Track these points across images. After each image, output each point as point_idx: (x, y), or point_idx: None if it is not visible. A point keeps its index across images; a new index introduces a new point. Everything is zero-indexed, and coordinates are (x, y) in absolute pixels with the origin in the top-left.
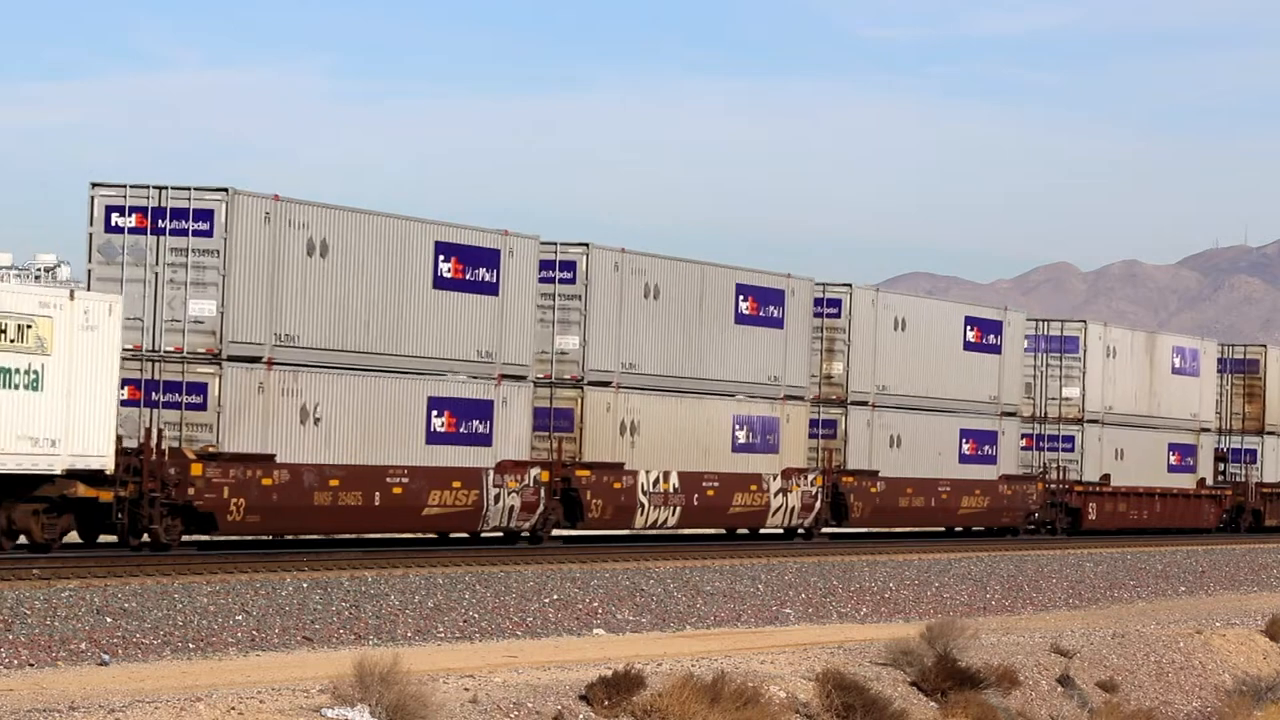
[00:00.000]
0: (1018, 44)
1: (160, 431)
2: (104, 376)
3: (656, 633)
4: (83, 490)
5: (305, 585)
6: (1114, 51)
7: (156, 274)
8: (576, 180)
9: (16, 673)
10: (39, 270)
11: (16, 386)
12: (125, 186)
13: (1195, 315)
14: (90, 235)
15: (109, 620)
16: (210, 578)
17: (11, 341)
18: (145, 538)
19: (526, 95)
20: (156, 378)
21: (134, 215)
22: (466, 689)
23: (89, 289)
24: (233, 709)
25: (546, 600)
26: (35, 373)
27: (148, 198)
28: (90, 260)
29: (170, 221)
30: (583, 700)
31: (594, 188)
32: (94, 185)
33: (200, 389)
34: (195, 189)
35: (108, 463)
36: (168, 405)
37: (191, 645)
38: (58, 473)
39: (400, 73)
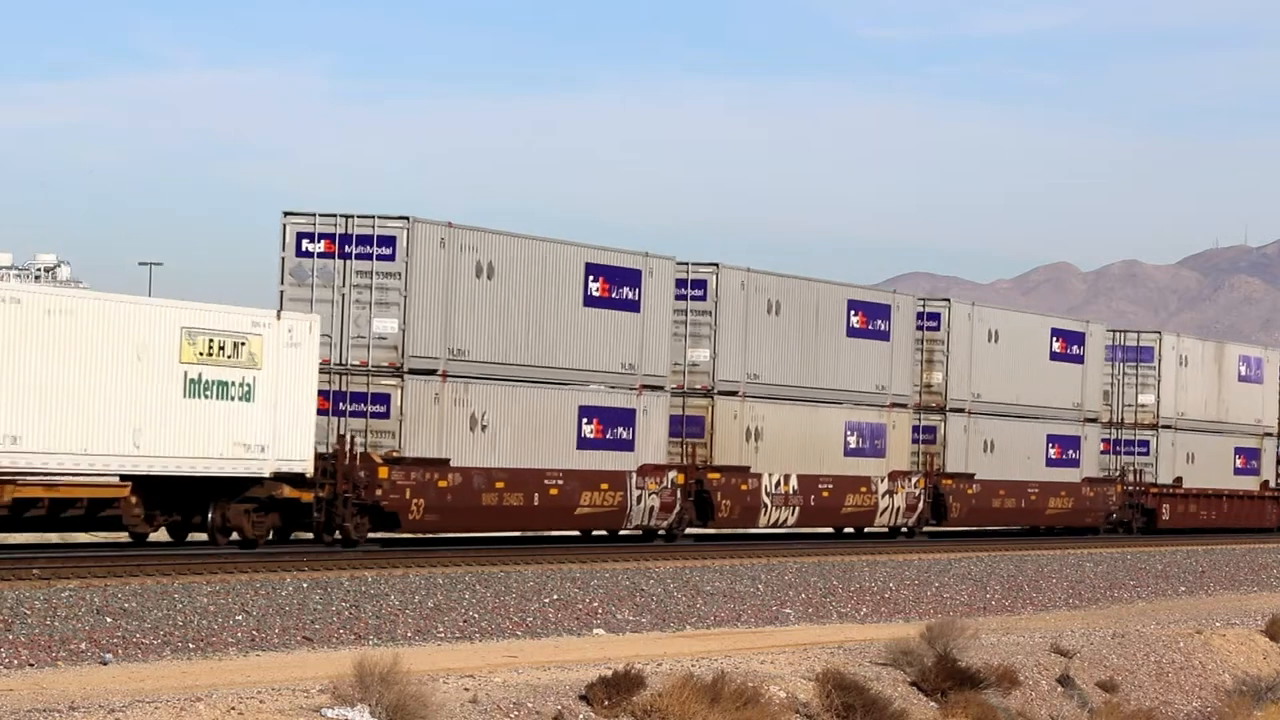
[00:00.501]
0: (1018, 44)
1: (351, 438)
2: (305, 388)
3: (656, 633)
4: (287, 492)
5: (305, 585)
6: (1114, 51)
7: (343, 295)
8: (577, 180)
9: (16, 673)
10: (39, 270)
11: (232, 398)
12: (315, 215)
13: (1195, 315)
14: (282, 260)
15: (109, 620)
16: (210, 578)
17: (229, 358)
18: (337, 534)
19: (527, 95)
20: (344, 389)
21: (322, 241)
22: (466, 689)
23: (280, 309)
24: (233, 709)
25: (546, 600)
26: (248, 385)
27: (335, 225)
28: (282, 282)
29: (356, 247)
30: (583, 700)
31: (594, 188)
32: (286, 214)
33: (384, 399)
34: (379, 217)
35: (308, 466)
36: (354, 414)
37: (191, 645)
38: (266, 476)
39: (400, 73)
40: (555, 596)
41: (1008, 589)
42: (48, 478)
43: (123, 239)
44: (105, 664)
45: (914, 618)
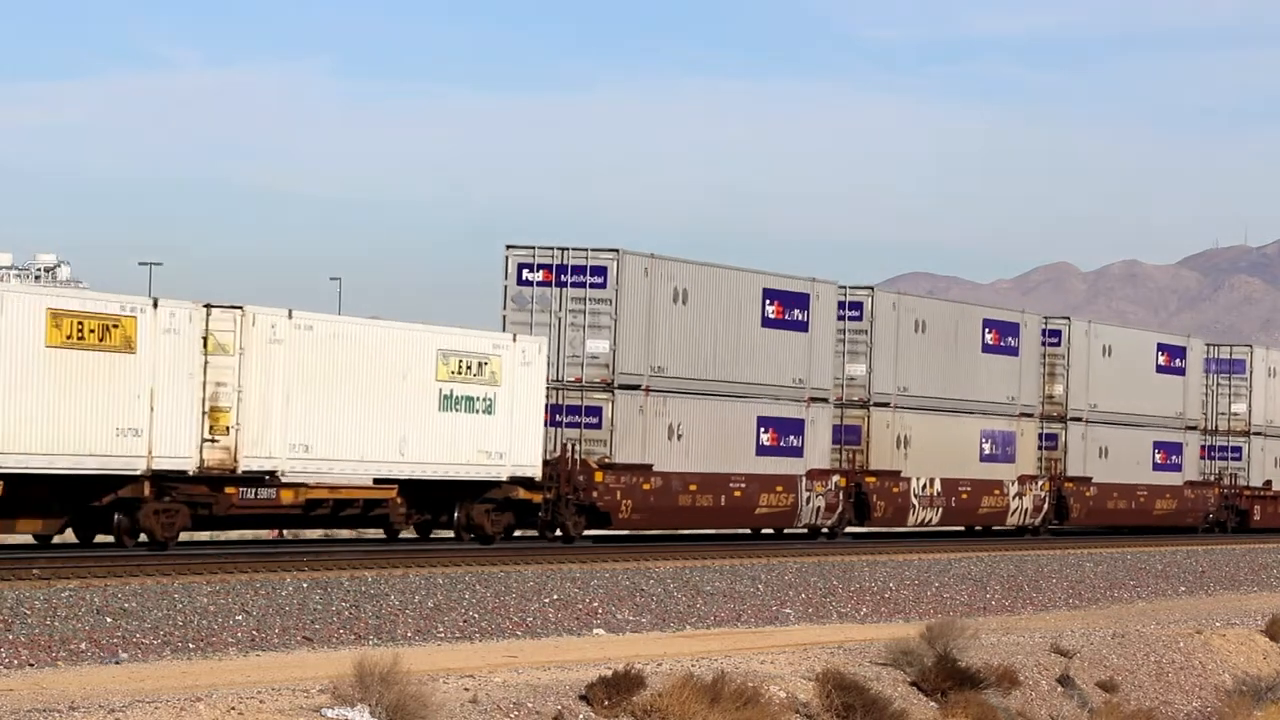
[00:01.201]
0: (1018, 44)
1: (570, 446)
2: (535, 402)
3: (656, 633)
4: (521, 494)
5: (305, 585)
6: (1114, 52)
7: (559, 319)
8: (577, 180)
9: (16, 673)
10: (39, 270)
11: (477, 411)
12: (534, 248)
13: (1195, 315)
14: (505, 287)
15: (109, 620)
16: (210, 578)
17: (475, 376)
18: (558, 531)
19: (527, 95)
20: (561, 403)
21: (541, 271)
22: (466, 689)
23: (503, 331)
24: (233, 709)
25: (546, 600)
26: (490, 400)
27: (552, 257)
28: (505, 307)
29: (571, 276)
30: (583, 700)
31: (594, 187)
32: (508, 247)
33: (596, 412)
34: (592, 250)
35: (537, 471)
36: (570, 425)
37: (191, 645)
38: (504, 480)
39: (400, 73)
40: (555, 596)
41: (1008, 589)
42: (332, 481)
43: (123, 239)
44: (118, 663)
45: (914, 618)
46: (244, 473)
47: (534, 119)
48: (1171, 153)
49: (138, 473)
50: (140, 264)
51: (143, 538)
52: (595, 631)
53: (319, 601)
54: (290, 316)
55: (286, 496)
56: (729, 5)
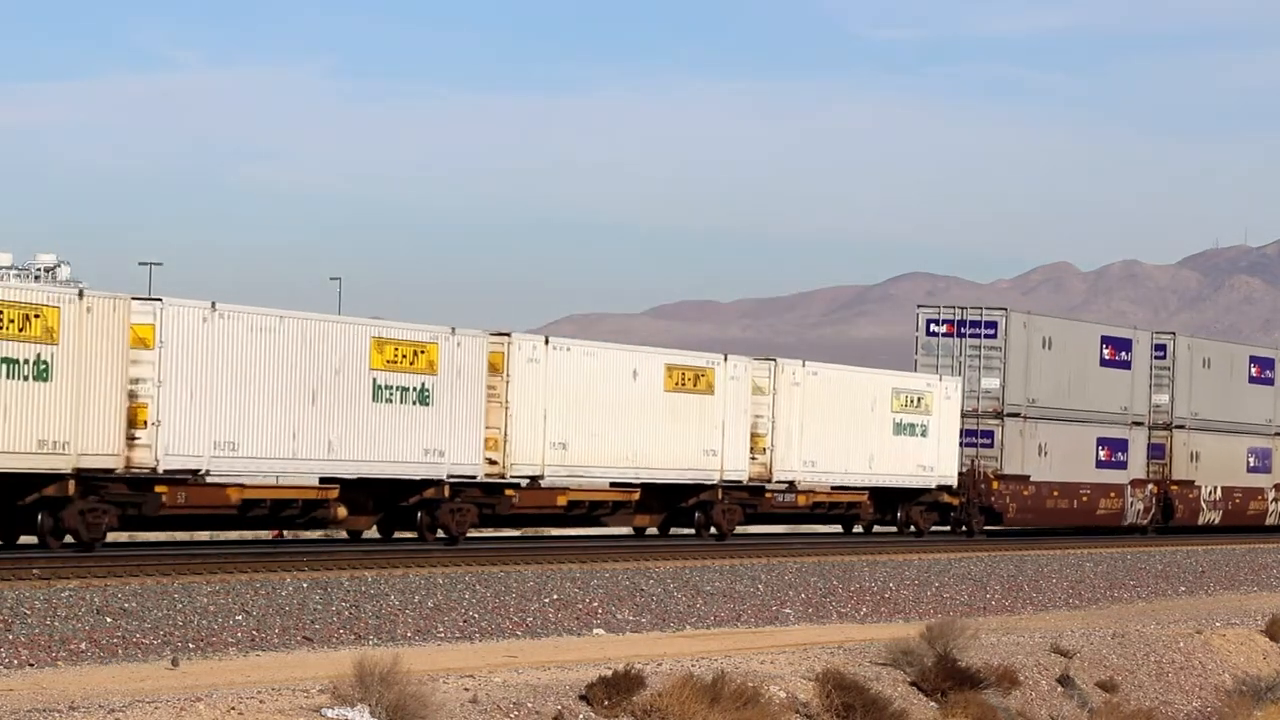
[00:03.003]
0: (1019, 45)
1: (974, 462)
2: (953, 427)
3: (656, 633)
4: (945, 498)
5: (305, 585)
6: (1115, 52)
7: (960, 362)
8: (577, 180)
9: (16, 673)
10: (39, 270)
11: (917, 434)
12: (939, 307)
13: (1195, 315)
14: (916, 338)
15: (109, 620)
16: (210, 578)
17: (916, 408)
18: (962, 528)
19: (528, 96)
20: (964, 427)
21: (944, 325)
22: (466, 689)
23: (915, 371)
24: (233, 709)
25: (546, 600)
26: (924, 426)
27: (954, 314)
28: (916, 353)
29: (968, 329)
30: (583, 700)
31: (594, 187)
32: (919, 306)
33: (989, 435)
34: (986, 308)
35: (954, 481)
36: (968, 445)
37: (191, 645)
38: (933, 487)
39: (401, 73)
40: (555, 596)
41: (1008, 589)
42: (826, 488)
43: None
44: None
45: (914, 618)
46: (777, 481)
47: (534, 119)
48: (1171, 153)
49: (713, 482)
50: (140, 264)
51: (712, 530)
52: (595, 631)
53: (319, 601)
54: (804, 365)
55: (802, 500)
56: (732, 5)
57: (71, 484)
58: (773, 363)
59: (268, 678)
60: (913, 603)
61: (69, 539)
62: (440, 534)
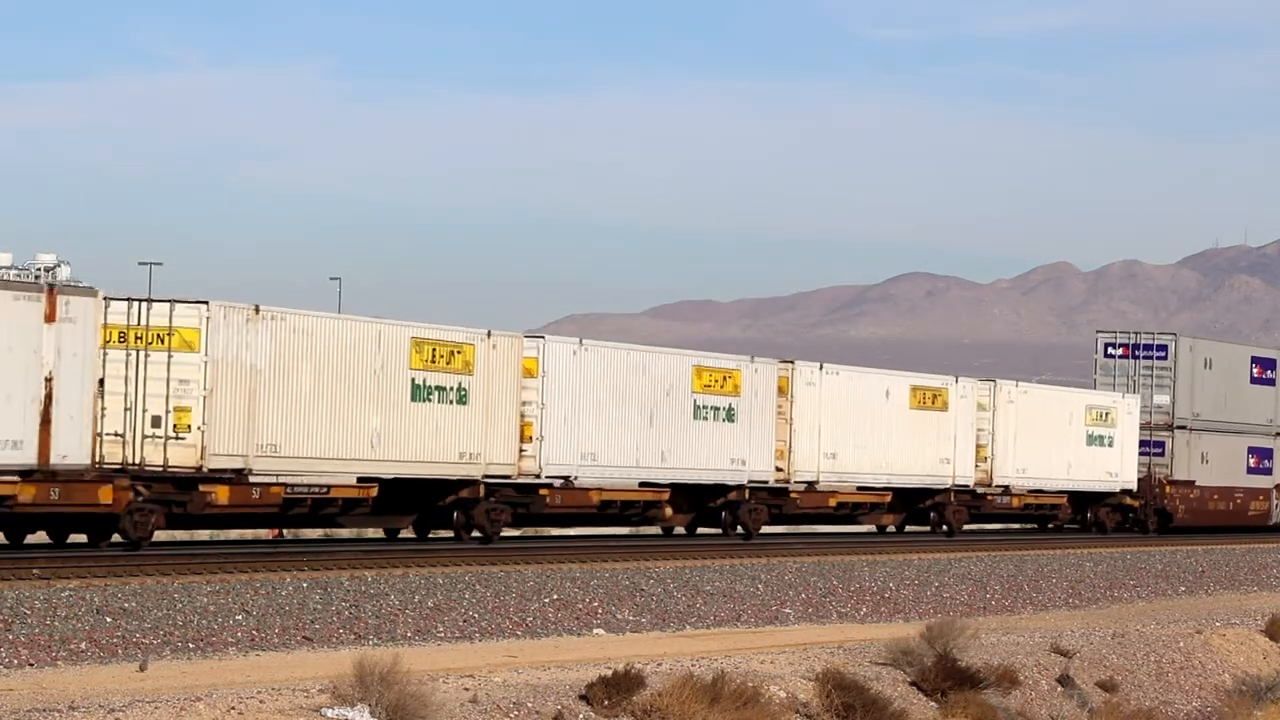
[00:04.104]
0: (1020, 45)
1: (1149, 469)
2: (1133, 438)
3: (656, 633)
4: (1127, 500)
5: (305, 585)
6: (1115, 52)
7: (1135, 381)
8: (577, 180)
9: (16, 673)
10: (39, 270)
11: (1105, 445)
12: (1115, 332)
13: (1195, 315)
14: (1095, 360)
15: (109, 620)
16: (210, 578)
17: (1105, 422)
18: (1132, 527)
19: (528, 96)
20: (1146, 437)
21: (1120, 349)
22: (466, 689)
23: (1095, 389)
24: (233, 709)
25: (546, 600)
26: (1111, 438)
27: (1129, 338)
28: (1095, 373)
29: (1141, 352)
30: (583, 700)
31: (594, 187)
32: (1098, 331)
33: (1160, 445)
34: (1158, 333)
35: (1134, 485)
36: (1144, 454)
37: (191, 645)
38: (1118, 490)
39: (401, 73)
40: (555, 596)
41: (1008, 589)
42: (1035, 491)
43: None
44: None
45: (914, 618)
46: (995, 485)
47: (535, 119)
48: (1171, 153)
49: (946, 486)
50: (140, 264)
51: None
52: (595, 631)
53: (319, 601)
54: (1017, 385)
55: (1015, 502)
56: (733, 5)
57: (481, 488)
58: (993, 384)
59: (268, 678)
60: (913, 603)
61: (476, 534)
62: (739, 530)
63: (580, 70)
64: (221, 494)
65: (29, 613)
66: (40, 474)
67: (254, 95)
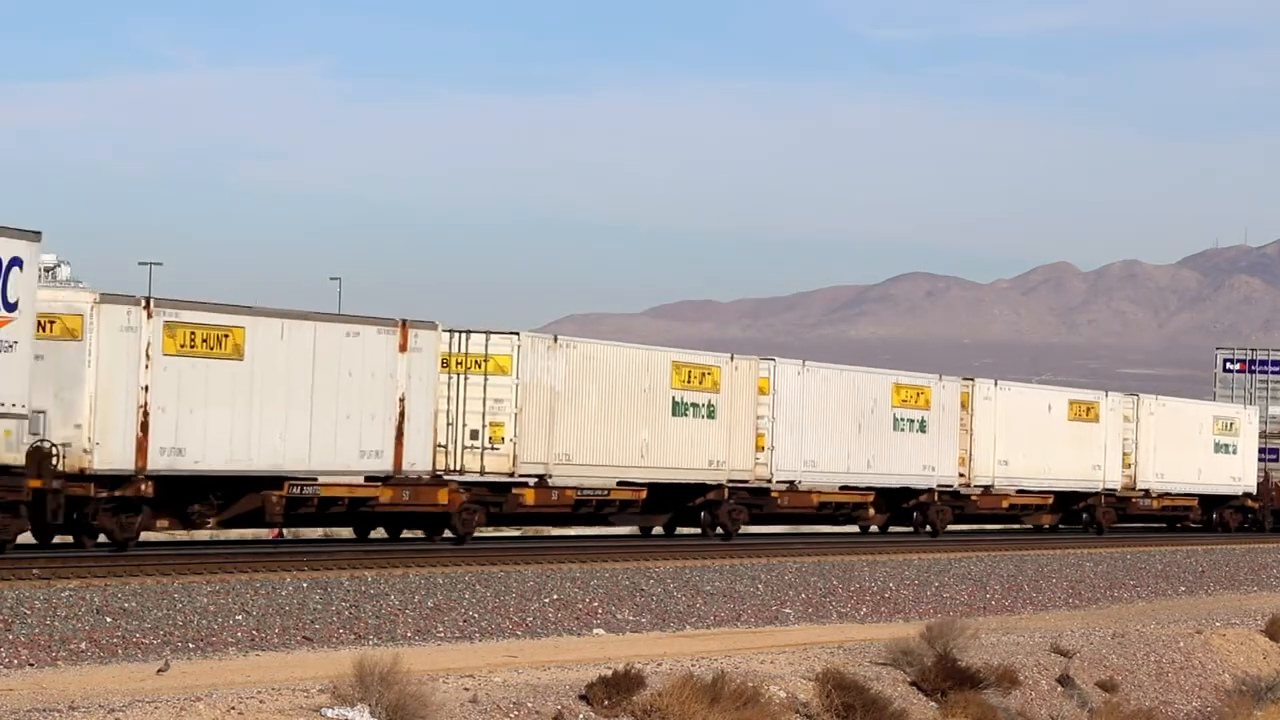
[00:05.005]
0: (1020, 45)
1: (1266, 473)
2: (1253, 446)
3: (656, 633)
4: (1248, 502)
5: (305, 585)
6: (1115, 52)
7: (1251, 393)
8: (577, 180)
9: (16, 673)
10: (39, 270)
11: (1229, 453)
12: (1234, 348)
13: (1195, 315)
14: (1215, 374)
15: (109, 620)
16: (210, 578)
17: (1228, 432)
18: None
19: (528, 96)
20: (1262, 445)
21: (1238, 364)
22: (466, 689)
23: (1213, 401)
24: (233, 709)
25: (546, 600)
26: (1234, 446)
27: (1245, 354)
28: (1215, 386)
29: (1258, 367)
30: (583, 700)
31: (594, 187)
32: (1218, 348)
33: (1275, 452)
34: (1272, 350)
35: (1253, 488)
36: (1261, 460)
37: (191, 645)
38: (1239, 494)
39: (401, 73)
40: (555, 596)
41: (1008, 589)
42: (1171, 494)
43: (122, 239)
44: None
45: (914, 618)
46: (1139, 489)
47: (535, 119)
48: (1171, 153)
49: (1097, 490)
50: (140, 264)
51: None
52: (595, 631)
53: (319, 601)
54: (1156, 398)
55: (1155, 504)
56: (735, 5)
57: (725, 491)
58: (1136, 398)
59: (268, 678)
60: (913, 603)
61: (719, 530)
62: (928, 528)
63: (580, 70)
64: (529, 496)
65: (29, 613)
66: (395, 479)
67: (254, 95)
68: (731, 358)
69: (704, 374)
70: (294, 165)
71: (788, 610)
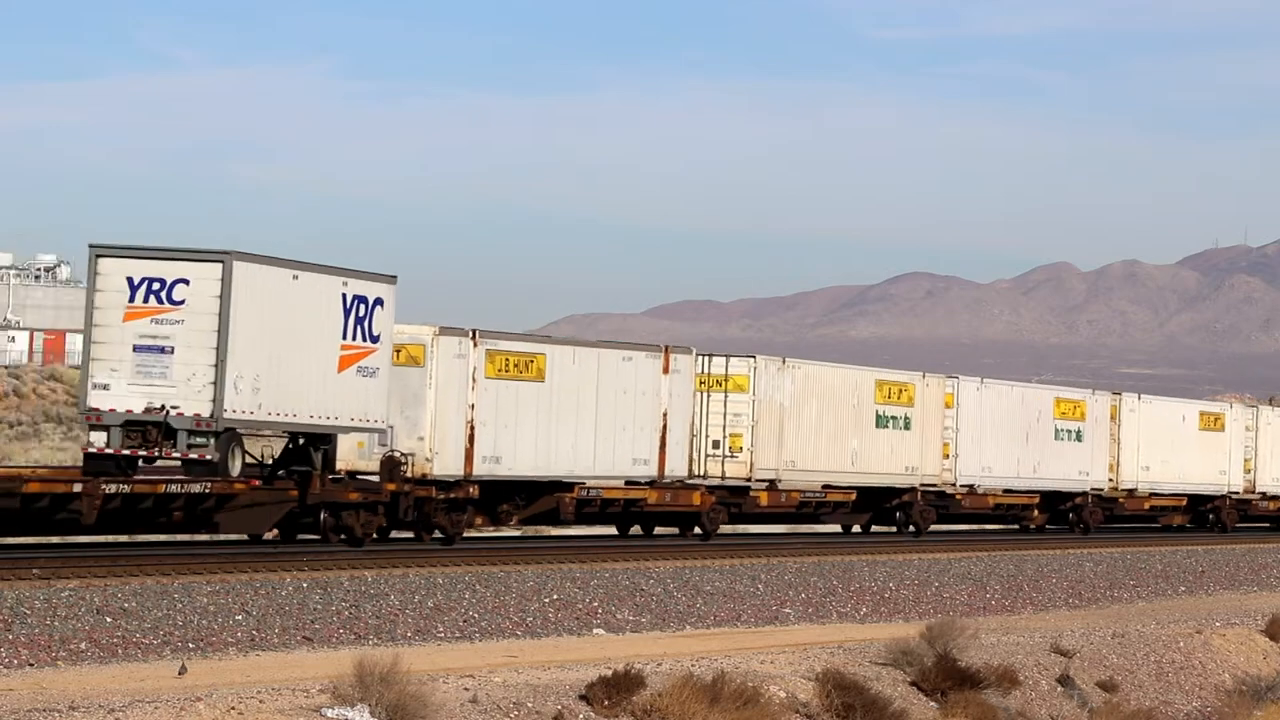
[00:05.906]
0: (1021, 45)
1: None
2: None
3: (656, 633)
4: None
5: (305, 585)
6: (1116, 52)
7: None
8: (577, 180)
9: (16, 673)
10: (39, 270)
11: None
12: None
13: (1195, 315)
14: None
15: (109, 620)
16: (210, 578)
17: None
18: None
19: (528, 96)
20: None
21: None
22: (466, 689)
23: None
24: (233, 709)
25: (546, 600)
26: None
27: None
28: None
29: None
30: (583, 700)
31: (594, 187)
32: None
33: None
34: None
35: None
36: None
37: (191, 645)
38: None
39: (402, 73)
40: (555, 596)
41: (1008, 589)
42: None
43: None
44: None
45: (914, 618)
46: (1258, 492)
47: (534, 119)
48: (1172, 153)
49: (1222, 493)
50: None
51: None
52: (595, 631)
53: (319, 601)
54: (1274, 409)
55: (1271, 506)
56: (735, 5)
57: (918, 493)
58: (1255, 409)
59: (268, 678)
60: (913, 603)
61: (911, 528)
62: (1082, 527)
63: (580, 70)
64: (763, 498)
65: (29, 613)
66: (658, 484)
67: (255, 95)
68: (924, 376)
69: (901, 390)
70: (294, 165)
71: (788, 610)
